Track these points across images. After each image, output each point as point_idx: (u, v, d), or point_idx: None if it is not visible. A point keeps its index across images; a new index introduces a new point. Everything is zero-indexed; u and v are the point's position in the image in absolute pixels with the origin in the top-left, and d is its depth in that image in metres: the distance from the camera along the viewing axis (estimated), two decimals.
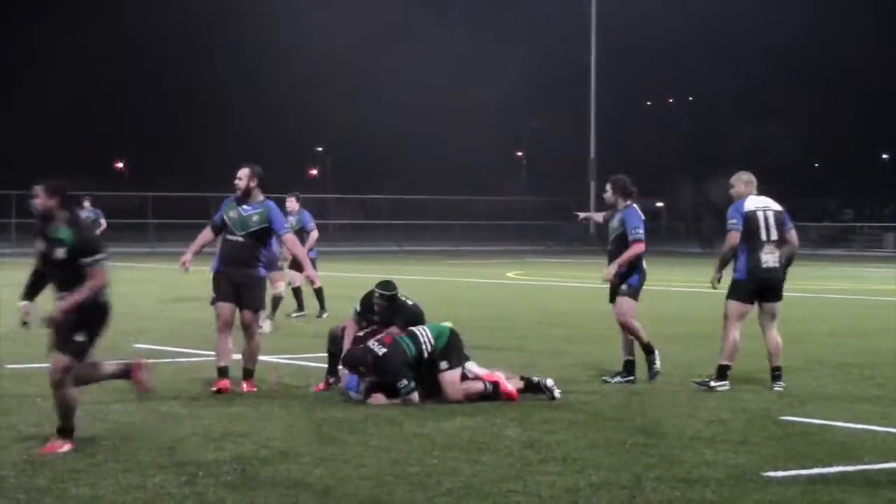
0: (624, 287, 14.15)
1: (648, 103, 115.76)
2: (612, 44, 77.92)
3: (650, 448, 10.10)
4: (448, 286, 34.70)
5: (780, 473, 9.21)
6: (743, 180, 14.04)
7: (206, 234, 13.49)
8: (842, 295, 30.40)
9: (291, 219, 21.49)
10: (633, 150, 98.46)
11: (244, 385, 13.08)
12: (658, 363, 14.18)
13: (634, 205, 14.39)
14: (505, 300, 28.78)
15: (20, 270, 10.89)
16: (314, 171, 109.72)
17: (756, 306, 13.83)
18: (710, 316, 23.92)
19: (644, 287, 14.27)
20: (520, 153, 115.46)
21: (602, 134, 76.97)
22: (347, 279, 33.20)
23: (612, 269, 14.01)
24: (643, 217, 14.32)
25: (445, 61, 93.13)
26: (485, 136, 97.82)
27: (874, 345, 18.46)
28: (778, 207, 13.87)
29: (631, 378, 13.97)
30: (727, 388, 13.41)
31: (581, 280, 35.40)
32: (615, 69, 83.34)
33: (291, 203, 22.32)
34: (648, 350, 14.20)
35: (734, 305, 13.76)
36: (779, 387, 13.59)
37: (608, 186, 14.52)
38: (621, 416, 11.75)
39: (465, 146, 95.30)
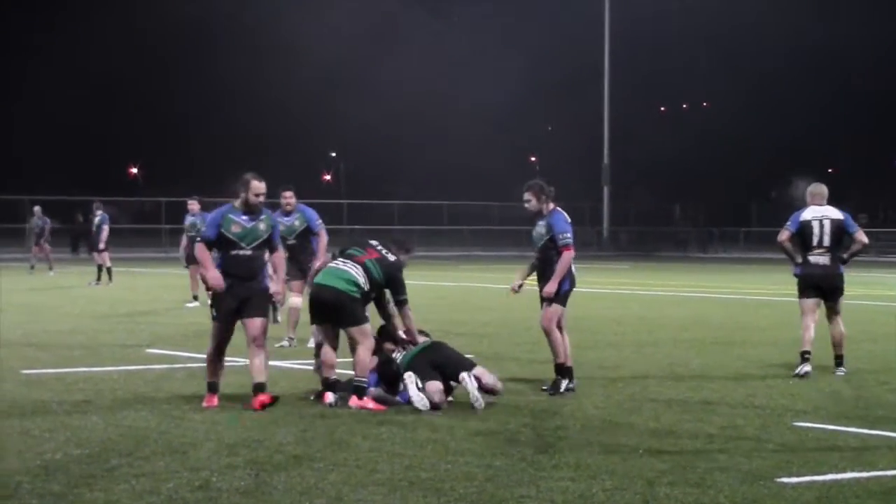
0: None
1: (662, 108, 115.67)
2: (626, 49, 77.86)
3: (663, 454, 10.09)
4: (460, 291, 34.68)
5: (793, 479, 9.19)
6: (810, 192, 15.83)
7: (206, 251, 12.60)
8: (856, 300, 30.33)
9: (289, 219, 18.47)
10: (646, 155, 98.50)
11: (260, 399, 12.25)
12: (567, 385, 13.52)
13: (559, 208, 13.97)
14: (518, 305, 28.76)
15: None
16: (328, 177, 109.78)
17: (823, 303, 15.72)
18: (723, 322, 23.94)
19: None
20: (533, 158, 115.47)
21: (615, 139, 76.95)
22: None
23: (553, 286, 13.47)
24: (569, 220, 13.85)
25: (460, 67, 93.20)
26: (498, 142, 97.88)
27: (889, 350, 18.42)
28: (837, 216, 15.57)
29: (571, 386, 13.59)
30: (809, 371, 15.03)
31: (594, 286, 35.38)
32: (629, 74, 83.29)
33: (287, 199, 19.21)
34: (560, 370, 13.65)
35: (800, 301, 15.79)
36: (840, 372, 15.36)
37: (529, 195, 13.96)
38: (634, 421, 11.74)
39: (477, 151, 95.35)
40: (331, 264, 12.85)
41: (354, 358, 12.51)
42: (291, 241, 17.95)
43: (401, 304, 12.85)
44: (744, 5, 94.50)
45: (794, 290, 15.97)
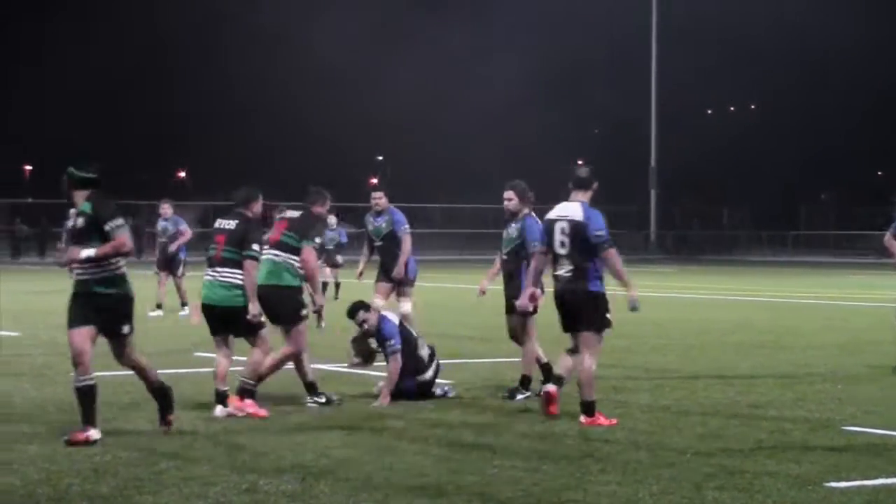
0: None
1: (709, 111, 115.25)
2: (671, 50, 77.63)
3: (711, 457, 10.04)
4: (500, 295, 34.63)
5: (842, 484, 9.12)
6: None
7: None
8: None
9: (378, 220, 17.41)
10: (693, 158, 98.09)
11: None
12: (524, 396, 13.40)
13: (533, 214, 13.75)
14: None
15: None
16: (374, 181, 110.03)
17: None
18: (770, 325, 23.82)
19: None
20: (580, 162, 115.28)
21: (662, 142, 76.76)
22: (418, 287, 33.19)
23: (525, 299, 12.93)
24: (541, 226, 13.12)
25: (506, 73, 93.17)
26: (546, 145, 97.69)
27: None
28: None
29: (528, 394, 13.55)
30: None
31: (640, 289, 35.30)
32: (675, 76, 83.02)
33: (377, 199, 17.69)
34: (525, 381, 13.56)
35: None
36: None
37: (512, 194, 13.71)
38: (681, 424, 11.69)
39: (525, 155, 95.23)
40: (208, 275, 12.37)
41: (248, 359, 12.31)
42: (378, 243, 17.57)
43: (243, 258, 12.19)
44: (790, 5, 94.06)
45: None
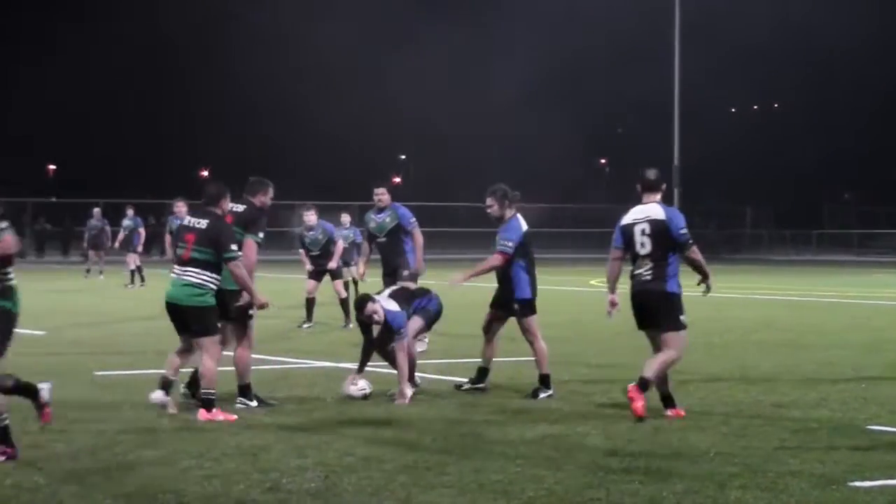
0: (516, 307, 13.70)
1: (733, 110, 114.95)
2: (695, 49, 77.43)
3: (734, 457, 10.02)
4: None
5: (866, 483, 9.09)
6: None
7: None
8: None
9: (381, 216, 17.80)
10: (717, 156, 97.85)
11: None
12: (546, 394, 13.51)
13: (518, 215, 13.71)
14: (590, 308, 28.70)
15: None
16: (398, 179, 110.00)
17: None
18: (793, 324, 23.76)
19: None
20: (603, 160, 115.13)
21: (686, 140, 76.55)
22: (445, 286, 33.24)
23: (460, 276, 13.51)
24: (524, 229, 13.52)
25: (528, 70, 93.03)
26: (568, 144, 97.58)
27: None
28: None
29: (481, 385, 13.82)
30: None
31: None
32: (700, 75, 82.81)
33: (380, 195, 17.96)
34: (544, 379, 13.64)
35: None
36: None
37: (491, 200, 13.69)
38: (705, 424, 11.67)
39: (548, 153, 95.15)
40: (173, 273, 12.20)
41: (201, 368, 12.03)
42: (382, 240, 17.51)
43: (225, 261, 12.00)
44: (815, 3, 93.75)
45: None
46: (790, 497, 8.65)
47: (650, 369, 11.99)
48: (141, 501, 8.46)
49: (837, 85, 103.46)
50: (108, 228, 35.98)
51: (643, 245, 12.18)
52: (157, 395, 12.03)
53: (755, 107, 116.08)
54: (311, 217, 23.11)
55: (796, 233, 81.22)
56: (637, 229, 12.24)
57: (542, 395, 13.41)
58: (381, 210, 17.51)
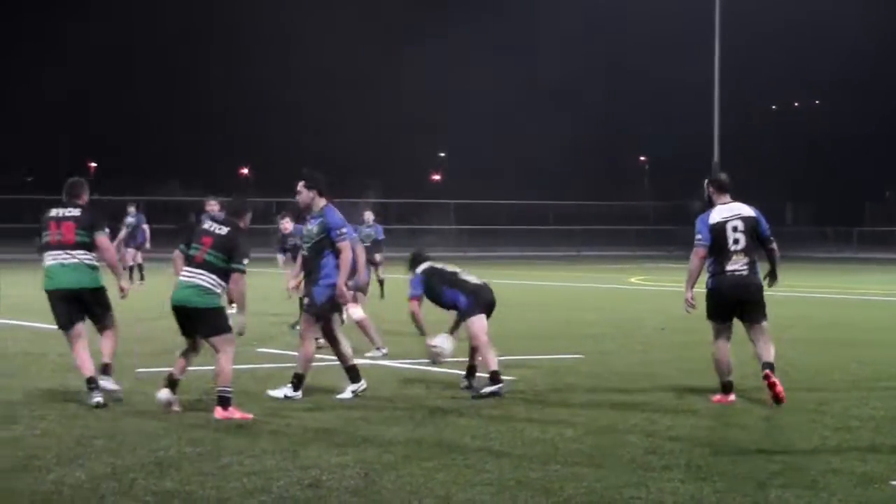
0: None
1: (773, 107, 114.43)
2: (735, 45, 77.14)
3: (775, 455, 9.97)
4: (570, 291, 34.61)
5: None
6: None
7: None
8: None
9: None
10: (757, 153, 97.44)
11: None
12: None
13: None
14: (627, 305, 28.64)
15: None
16: (437, 177, 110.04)
17: None
18: (835, 322, 23.63)
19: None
20: (642, 158, 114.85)
21: (725, 137, 76.26)
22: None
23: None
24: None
25: (569, 70, 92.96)
26: (607, 141, 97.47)
27: None
28: None
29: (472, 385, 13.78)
30: None
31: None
32: (740, 72, 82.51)
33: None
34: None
35: None
36: None
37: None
38: (745, 422, 11.62)
39: (587, 151, 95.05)
40: (183, 276, 12.20)
41: (216, 367, 11.98)
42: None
43: (233, 271, 12.03)
44: None
45: None
46: (831, 496, 8.59)
47: (770, 354, 12.76)
48: (182, 497, 8.48)
49: (879, 82, 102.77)
50: (144, 226, 35.91)
51: (737, 241, 12.81)
52: (164, 393, 12.06)
53: (796, 104, 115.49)
54: (287, 224, 23.00)
55: (837, 230, 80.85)
56: (729, 226, 12.83)
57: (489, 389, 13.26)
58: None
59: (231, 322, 12.20)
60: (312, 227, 13.09)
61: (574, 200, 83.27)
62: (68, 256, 12.65)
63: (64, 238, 12.66)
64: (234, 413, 11.73)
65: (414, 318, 13.90)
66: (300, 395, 12.89)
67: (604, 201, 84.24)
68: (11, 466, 9.40)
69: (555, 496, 8.55)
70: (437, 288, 13.84)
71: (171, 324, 12.57)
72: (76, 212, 12.76)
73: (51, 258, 12.70)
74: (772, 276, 13.15)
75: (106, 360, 12.71)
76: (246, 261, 12.25)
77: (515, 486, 8.81)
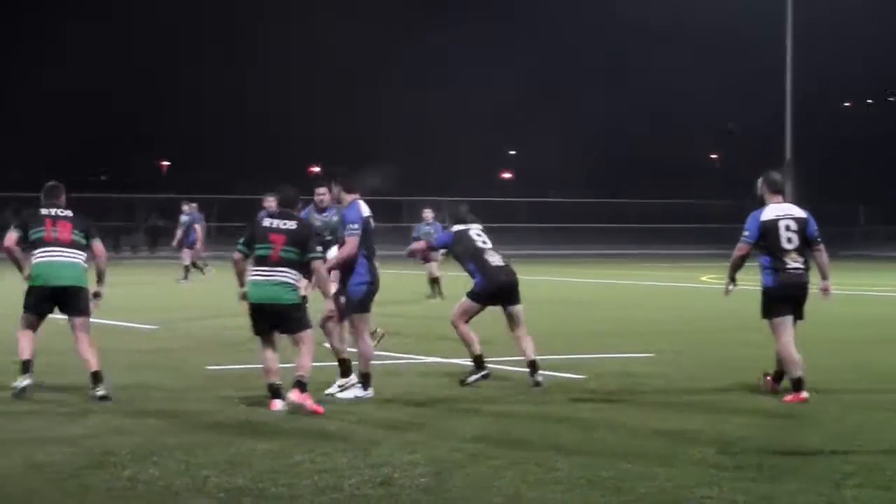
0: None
1: (846, 104, 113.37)
2: (808, 42, 76.49)
3: (850, 455, 9.88)
4: (641, 290, 34.48)
5: None
6: None
7: None
8: None
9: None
10: (830, 151, 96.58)
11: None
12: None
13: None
14: (700, 304, 28.48)
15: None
16: (507, 175, 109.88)
17: None
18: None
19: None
20: (714, 156, 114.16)
21: (798, 135, 75.69)
22: (555, 282, 33.31)
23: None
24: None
25: (639, 69, 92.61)
26: (679, 139, 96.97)
27: None
28: None
29: (485, 373, 13.91)
30: None
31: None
32: (812, 69, 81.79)
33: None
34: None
35: None
36: None
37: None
38: (819, 421, 11.52)
39: (659, 149, 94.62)
40: (260, 275, 12.26)
41: (299, 360, 12.08)
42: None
43: (312, 260, 12.26)
44: None
45: None
46: None
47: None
48: (254, 495, 8.53)
49: None
50: (197, 225, 35.85)
51: (790, 240, 13.04)
52: (277, 404, 12.03)
53: (869, 101, 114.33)
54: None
55: None
56: (781, 225, 13.07)
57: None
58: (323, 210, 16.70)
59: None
60: (335, 217, 13.26)
61: (646, 199, 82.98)
62: (64, 253, 12.76)
63: (60, 236, 12.85)
64: (308, 400, 11.82)
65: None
66: (371, 394, 12.91)
67: (674, 199, 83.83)
68: (87, 463, 9.50)
69: (626, 495, 8.52)
70: (461, 255, 14.30)
71: (242, 322, 12.63)
72: (69, 213, 13.00)
73: (45, 254, 12.77)
74: (823, 280, 13.46)
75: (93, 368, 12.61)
76: (319, 248, 12.41)
77: (586, 485, 8.79)
